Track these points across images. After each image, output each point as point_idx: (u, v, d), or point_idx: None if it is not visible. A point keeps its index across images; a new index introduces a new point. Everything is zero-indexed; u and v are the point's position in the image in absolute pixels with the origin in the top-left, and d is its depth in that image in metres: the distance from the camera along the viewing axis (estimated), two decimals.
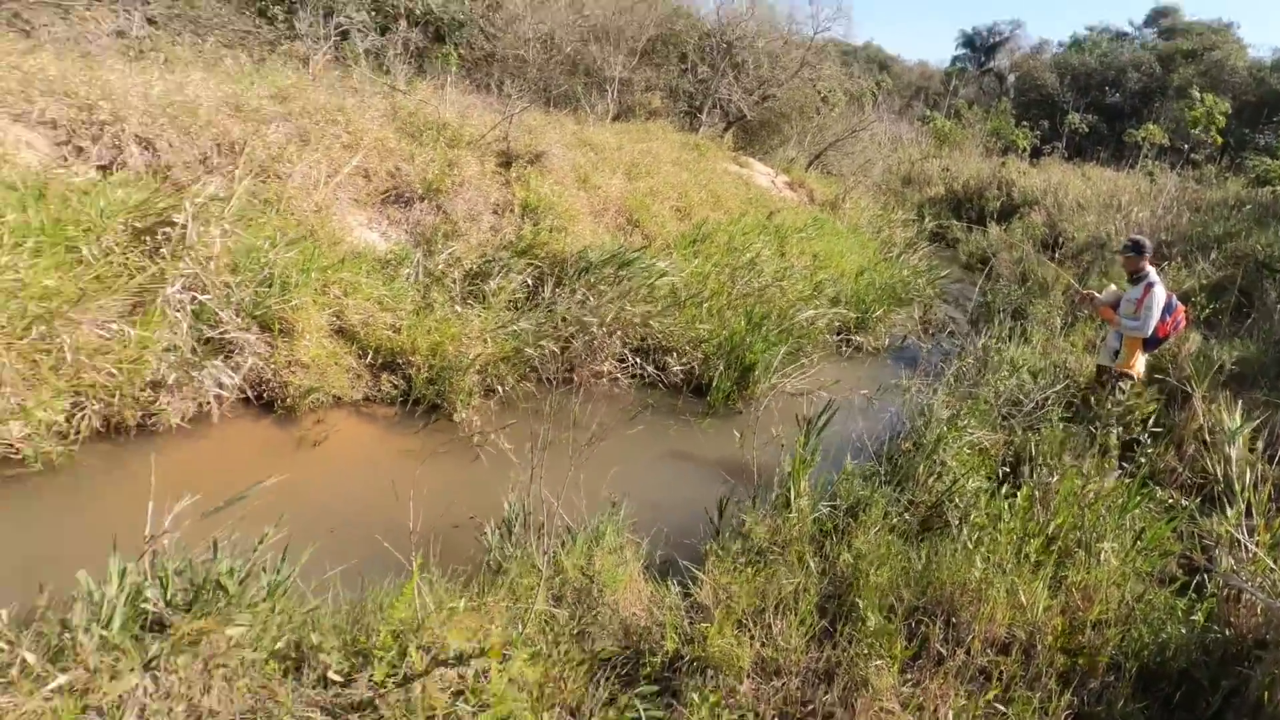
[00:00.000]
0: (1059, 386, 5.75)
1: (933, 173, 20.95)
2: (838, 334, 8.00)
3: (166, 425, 3.98)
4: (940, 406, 4.90)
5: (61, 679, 2.10)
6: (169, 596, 2.69)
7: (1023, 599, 3.21)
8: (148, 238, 4.25)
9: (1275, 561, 3.44)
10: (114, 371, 3.69)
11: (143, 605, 2.60)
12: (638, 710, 2.66)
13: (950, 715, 2.76)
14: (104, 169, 4.78)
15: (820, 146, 17.73)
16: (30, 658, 2.12)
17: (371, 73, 8.74)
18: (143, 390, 3.90)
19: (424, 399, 5.06)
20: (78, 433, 3.65)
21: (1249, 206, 12.43)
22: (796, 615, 3.08)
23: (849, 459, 4.39)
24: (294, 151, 5.96)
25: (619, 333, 6.07)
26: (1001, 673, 2.98)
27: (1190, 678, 3.05)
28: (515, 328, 5.67)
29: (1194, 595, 3.45)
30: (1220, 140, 19.06)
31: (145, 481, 2.83)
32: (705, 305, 6.78)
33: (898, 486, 4.14)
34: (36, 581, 2.35)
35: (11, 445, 3.30)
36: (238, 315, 4.53)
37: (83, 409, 3.68)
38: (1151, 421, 4.99)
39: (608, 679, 2.74)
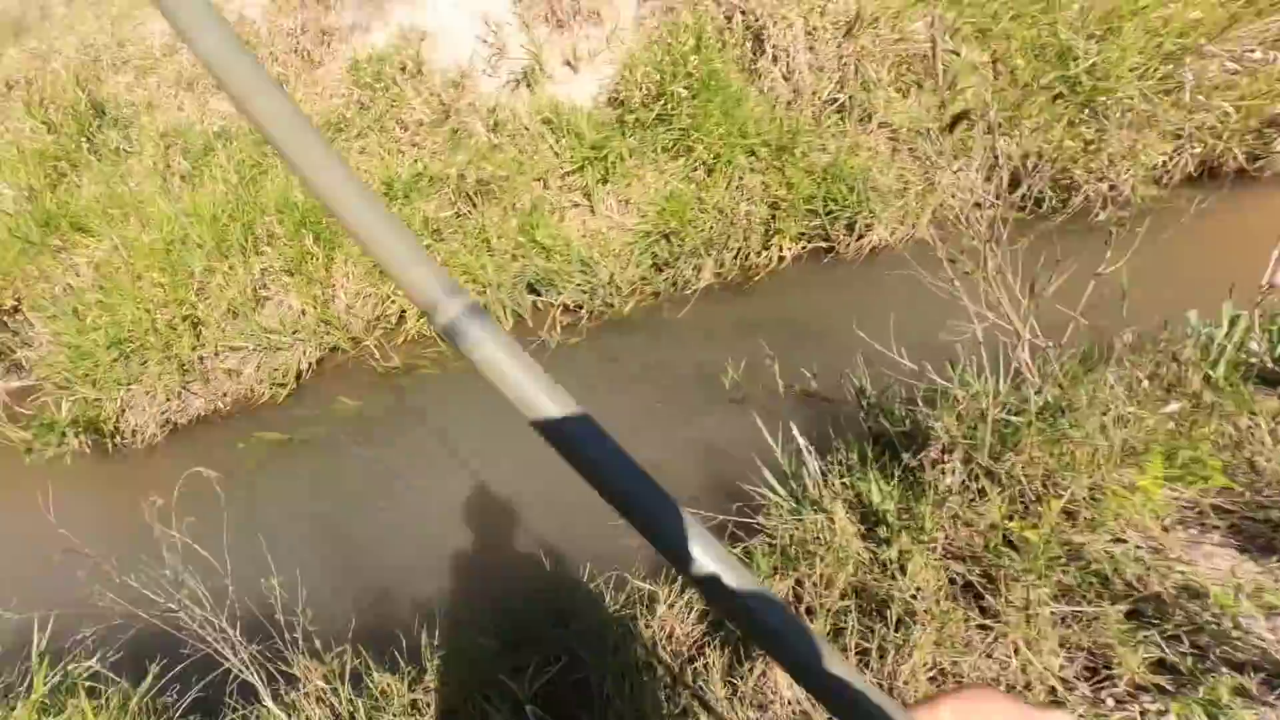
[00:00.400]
0: None
1: None
2: None
3: (1270, 172, 3.27)
4: None
5: (1172, 406, 2.05)
6: (1276, 353, 2.31)
7: None
8: None
9: None
10: (1230, 110, 3.16)
11: (1246, 356, 2.31)
12: None
13: None
14: None
15: None
16: (1145, 383, 2.15)
17: None
18: (1253, 132, 3.25)
19: None
20: (1169, 177, 3.38)
21: None
22: None
23: None
24: None
25: None
26: None
27: None
28: None
29: None
30: None
31: (1238, 231, 2.48)
32: None
33: None
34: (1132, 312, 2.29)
35: (1114, 188, 3.29)
36: None
37: (1180, 153, 3.35)
38: None
39: None
